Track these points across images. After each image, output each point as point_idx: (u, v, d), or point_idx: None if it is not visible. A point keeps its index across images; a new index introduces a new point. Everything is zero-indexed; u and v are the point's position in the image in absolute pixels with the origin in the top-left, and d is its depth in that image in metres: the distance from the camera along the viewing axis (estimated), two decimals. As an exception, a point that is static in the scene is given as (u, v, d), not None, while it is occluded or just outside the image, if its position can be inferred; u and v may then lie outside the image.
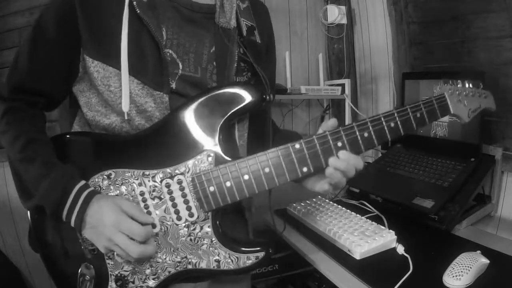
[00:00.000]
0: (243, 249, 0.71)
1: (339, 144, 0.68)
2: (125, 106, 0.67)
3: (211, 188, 0.68)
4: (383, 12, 1.71)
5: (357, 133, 0.68)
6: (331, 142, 0.68)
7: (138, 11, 0.66)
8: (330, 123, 0.69)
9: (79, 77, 0.71)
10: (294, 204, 1.22)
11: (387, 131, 0.69)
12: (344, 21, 1.88)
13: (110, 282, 0.70)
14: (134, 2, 0.66)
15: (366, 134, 0.68)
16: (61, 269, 0.74)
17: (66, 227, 0.69)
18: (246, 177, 0.67)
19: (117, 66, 0.66)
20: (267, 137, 0.83)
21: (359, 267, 0.87)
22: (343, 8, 1.86)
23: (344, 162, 0.66)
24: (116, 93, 0.68)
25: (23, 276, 1.63)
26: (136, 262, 0.69)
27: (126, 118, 0.69)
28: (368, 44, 1.87)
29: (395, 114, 0.70)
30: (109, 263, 0.70)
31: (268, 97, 0.71)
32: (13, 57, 0.72)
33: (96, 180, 0.69)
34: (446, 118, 1.26)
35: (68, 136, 0.75)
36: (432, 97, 0.74)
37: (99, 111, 0.70)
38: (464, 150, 1.19)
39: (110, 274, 0.70)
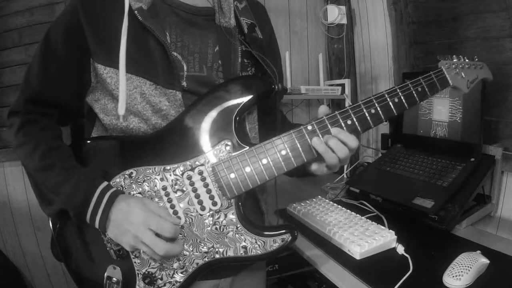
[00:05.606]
0: (269, 233, 0.71)
1: (349, 122, 0.71)
2: (121, 109, 0.69)
3: (232, 175, 0.69)
4: (383, 12, 1.71)
5: (364, 110, 0.71)
6: (341, 120, 0.71)
7: (141, 19, 0.69)
8: (322, 109, 0.72)
9: (92, 87, 0.74)
10: (294, 204, 1.22)
11: (392, 106, 0.73)
12: (344, 21, 1.88)
13: (137, 281, 0.70)
14: (135, 11, 0.69)
15: (373, 111, 0.72)
16: (86, 275, 0.74)
17: (90, 231, 0.71)
18: (264, 161, 0.70)
19: (128, 70, 0.69)
20: (277, 129, 0.84)
21: (359, 267, 0.87)
22: (343, 8, 1.86)
23: (334, 139, 0.68)
24: (130, 95, 0.70)
25: (23, 276, 1.63)
26: (160, 260, 0.69)
27: (121, 121, 0.71)
28: (368, 44, 1.87)
29: (398, 90, 0.74)
30: (135, 262, 0.70)
31: (276, 87, 0.74)
32: (24, 74, 0.74)
33: (118, 180, 0.70)
34: (446, 118, 1.26)
35: (86, 141, 0.76)
36: (430, 71, 0.78)
37: (115, 115, 0.72)
38: (464, 150, 1.19)
39: (138, 273, 0.70)
